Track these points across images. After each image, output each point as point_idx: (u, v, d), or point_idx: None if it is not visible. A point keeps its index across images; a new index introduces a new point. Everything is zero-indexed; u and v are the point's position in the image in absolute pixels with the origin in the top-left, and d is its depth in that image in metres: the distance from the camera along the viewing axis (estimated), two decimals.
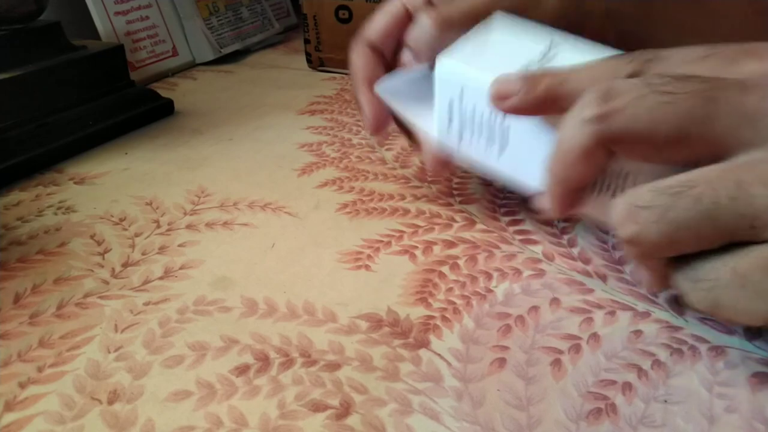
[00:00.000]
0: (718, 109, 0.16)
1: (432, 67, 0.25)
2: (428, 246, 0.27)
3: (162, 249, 0.27)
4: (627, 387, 0.19)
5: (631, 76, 0.18)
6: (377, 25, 0.30)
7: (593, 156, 0.18)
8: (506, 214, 0.30)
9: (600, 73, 0.19)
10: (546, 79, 0.20)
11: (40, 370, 0.21)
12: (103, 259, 0.27)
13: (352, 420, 0.18)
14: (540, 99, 0.20)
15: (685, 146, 0.17)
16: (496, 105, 0.21)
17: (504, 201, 0.31)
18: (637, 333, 0.22)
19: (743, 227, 0.15)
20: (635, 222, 0.17)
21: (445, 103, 0.25)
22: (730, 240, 0.16)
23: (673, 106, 0.16)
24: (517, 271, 0.25)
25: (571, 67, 0.20)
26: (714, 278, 0.16)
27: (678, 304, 0.23)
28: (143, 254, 0.27)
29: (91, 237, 0.28)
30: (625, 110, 0.17)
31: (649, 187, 0.17)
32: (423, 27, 0.27)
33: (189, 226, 0.29)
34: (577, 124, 0.18)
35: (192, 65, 0.58)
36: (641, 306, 0.23)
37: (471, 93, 0.23)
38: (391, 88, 0.28)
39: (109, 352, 0.21)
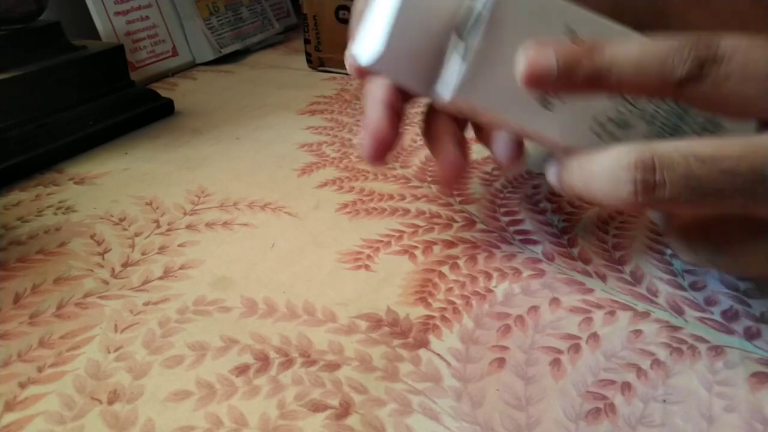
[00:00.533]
0: (758, 195, 0.16)
1: None
2: (428, 246, 0.27)
3: (162, 249, 0.27)
4: (626, 387, 0.19)
5: (687, 78, 0.17)
6: None
7: (642, 209, 0.18)
8: (506, 214, 0.30)
9: (650, 63, 0.17)
10: (587, 60, 0.17)
11: (40, 370, 0.21)
12: (103, 259, 0.27)
13: (352, 420, 0.18)
14: (581, 85, 0.18)
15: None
16: (527, 85, 0.18)
17: (504, 201, 0.31)
18: (637, 333, 0.22)
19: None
20: (655, 173, 0.17)
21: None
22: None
23: (718, 201, 0.17)
24: (517, 271, 0.25)
25: (616, 45, 0.18)
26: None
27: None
28: (143, 254, 0.27)
29: (91, 237, 0.28)
30: (671, 202, 0.17)
31: (684, 152, 0.17)
32: None
33: (189, 226, 0.29)
34: (617, 200, 0.17)
35: (192, 65, 0.58)
36: (641, 306, 0.23)
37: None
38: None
39: (109, 352, 0.21)
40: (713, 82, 0.17)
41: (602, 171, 0.18)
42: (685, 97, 0.18)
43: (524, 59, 0.18)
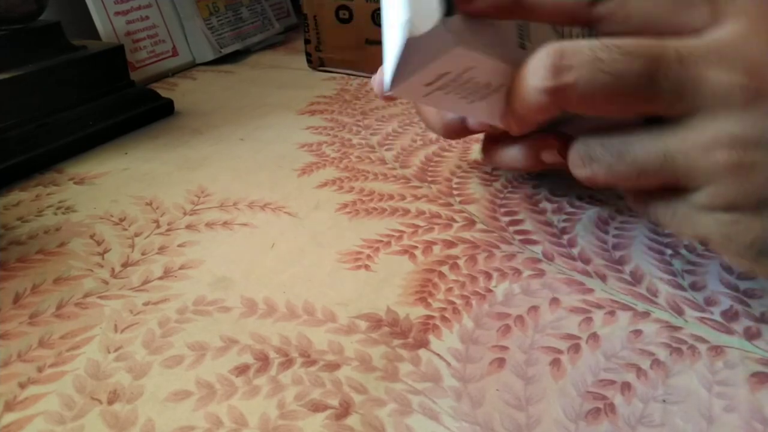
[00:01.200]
0: (659, 88, 0.18)
1: None
2: (428, 246, 0.27)
3: (162, 249, 0.27)
4: (626, 387, 0.19)
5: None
6: None
7: (545, 112, 0.20)
8: (506, 214, 0.30)
9: None
10: None
11: (40, 370, 0.21)
12: (103, 259, 0.27)
13: (352, 420, 0.18)
14: (504, 12, 0.20)
15: (630, 112, 0.19)
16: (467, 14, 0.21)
17: (504, 201, 0.31)
18: (637, 333, 0.22)
19: (672, 182, 0.19)
20: (589, 168, 0.21)
21: None
22: (666, 187, 0.20)
23: (619, 83, 0.18)
24: (517, 271, 0.25)
25: None
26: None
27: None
28: (143, 254, 0.27)
29: (91, 237, 0.28)
30: (576, 86, 0.18)
31: (600, 142, 0.20)
32: None
33: (189, 226, 0.29)
34: (530, 91, 0.19)
35: (192, 65, 0.58)
36: (641, 306, 0.23)
37: None
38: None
39: (109, 352, 0.21)
40: (570, 89, 0.18)
41: (526, 71, 0.19)
42: (598, 21, 0.20)
43: None
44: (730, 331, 0.22)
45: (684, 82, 0.18)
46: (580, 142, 0.21)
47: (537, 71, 0.19)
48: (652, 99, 0.18)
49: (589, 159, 0.20)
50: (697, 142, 0.18)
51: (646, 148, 0.19)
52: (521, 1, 0.20)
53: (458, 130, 0.28)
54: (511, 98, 0.21)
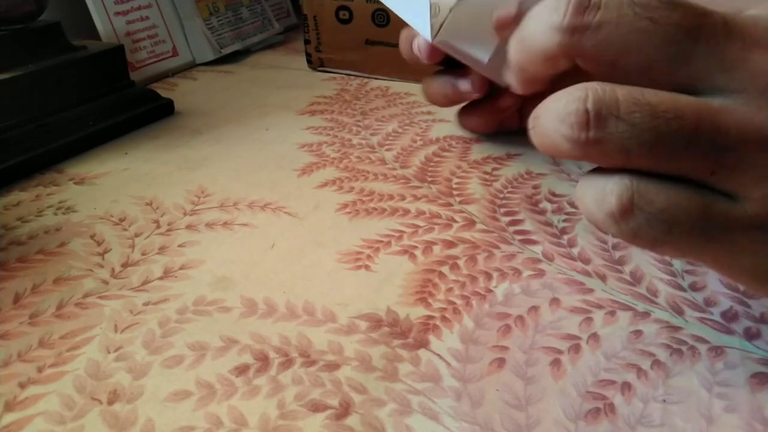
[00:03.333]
0: (696, 50, 0.15)
1: None
2: (428, 246, 0.27)
3: (162, 249, 0.27)
4: (626, 387, 0.19)
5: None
6: None
7: (555, 62, 0.17)
8: (506, 214, 0.30)
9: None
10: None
11: (40, 370, 0.21)
12: (103, 259, 0.27)
13: (352, 420, 0.18)
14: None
15: (653, 77, 0.16)
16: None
17: (504, 201, 0.31)
18: (637, 333, 0.22)
19: (706, 170, 0.16)
20: (602, 129, 0.16)
21: None
22: (693, 176, 0.16)
23: (652, 37, 0.15)
24: (517, 271, 0.25)
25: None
26: (661, 209, 0.16)
27: None
28: (143, 254, 0.27)
29: (91, 237, 0.28)
30: (600, 29, 0.16)
31: (633, 98, 0.15)
32: None
33: (189, 227, 0.29)
34: (546, 28, 0.16)
35: (192, 65, 0.58)
36: (641, 306, 0.23)
37: None
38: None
39: (109, 353, 0.21)
40: (592, 31, 0.16)
41: (542, 5, 0.17)
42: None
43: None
44: (730, 332, 0.22)
45: (727, 55, 0.15)
46: (598, 89, 0.16)
47: (557, 4, 0.16)
48: (683, 63, 0.16)
49: (608, 119, 0.16)
50: (754, 122, 0.15)
51: (699, 114, 0.15)
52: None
53: (452, 97, 0.33)
54: (518, 41, 0.18)
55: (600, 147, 0.16)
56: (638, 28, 0.15)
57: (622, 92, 0.15)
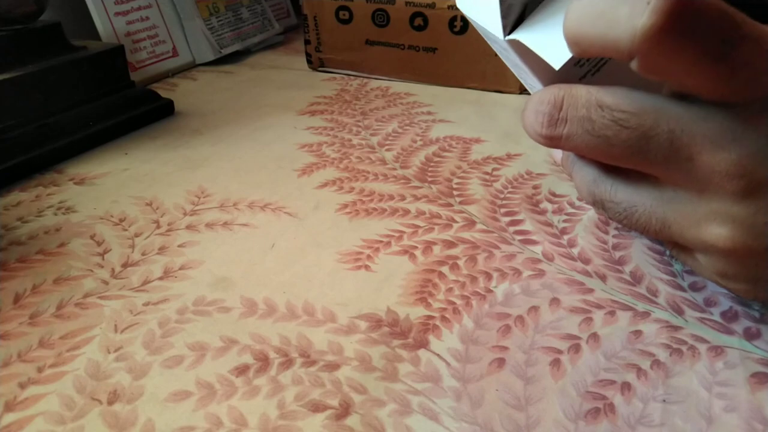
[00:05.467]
0: (647, 158, 0.18)
1: None
2: (428, 246, 0.27)
3: (162, 249, 0.27)
4: (626, 387, 0.19)
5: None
6: None
7: (548, 143, 0.21)
8: (506, 214, 0.30)
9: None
10: None
11: (40, 370, 0.21)
12: (103, 259, 0.27)
13: (352, 420, 0.18)
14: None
15: (627, 166, 0.20)
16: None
17: (504, 201, 0.31)
18: (637, 333, 0.22)
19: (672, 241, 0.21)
20: (599, 210, 0.22)
21: None
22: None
23: (607, 146, 0.19)
24: (517, 272, 0.25)
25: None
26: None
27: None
28: (143, 255, 0.27)
29: (91, 237, 0.28)
30: (569, 139, 0.20)
31: (609, 198, 0.21)
32: None
33: (189, 227, 0.29)
34: (532, 132, 0.21)
35: (192, 66, 0.58)
36: (641, 306, 0.23)
37: None
38: None
39: (109, 353, 0.21)
40: (563, 140, 0.20)
41: (531, 104, 0.21)
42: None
43: None
44: (730, 332, 0.22)
45: (673, 162, 0.18)
46: (591, 183, 0.22)
47: (536, 116, 0.20)
48: (643, 165, 0.19)
49: (602, 206, 0.22)
50: (692, 218, 0.19)
51: (648, 213, 0.20)
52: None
53: None
54: (522, 116, 0.22)
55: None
56: (593, 144, 0.19)
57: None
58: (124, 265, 0.26)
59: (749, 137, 0.17)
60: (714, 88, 0.17)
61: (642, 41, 0.16)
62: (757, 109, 0.17)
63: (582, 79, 0.22)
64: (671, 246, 0.22)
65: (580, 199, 0.30)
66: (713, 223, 0.18)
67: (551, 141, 0.20)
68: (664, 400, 0.19)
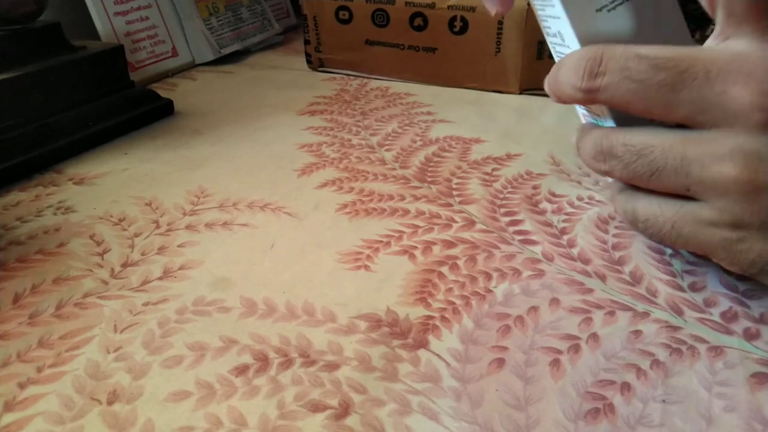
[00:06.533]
0: (679, 98, 0.20)
1: None
2: (428, 246, 0.27)
3: (161, 249, 0.27)
4: (626, 387, 0.19)
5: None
6: None
7: (578, 102, 0.23)
8: (506, 214, 0.30)
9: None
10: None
11: (39, 370, 0.21)
12: (103, 259, 0.27)
13: (351, 420, 0.18)
14: None
15: (654, 118, 0.21)
16: None
17: (504, 201, 0.31)
18: (637, 333, 0.22)
19: (681, 189, 0.21)
20: (606, 163, 0.23)
21: None
22: (674, 192, 0.21)
23: (643, 94, 0.20)
24: (517, 272, 0.25)
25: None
26: (654, 216, 0.22)
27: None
28: (142, 254, 0.27)
29: (91, 237, 0.28)
30: (606, 89, 0.21)
31: (622, 141, 0.22)
32: None
33: (188, 227, 0.29)
34: (569, 86, 0.22)
35: (192, 66, 0.58)
36: (641, 306, 0.23)
37: None
38: None
39: (109, 353, 0.21)
40: (600, 91, 0.21)
41: (569, 61, 0.22)
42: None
43: None
44: (729, 332, 0.22)
45: (707, 97, 0.19)
46: (601, 136, 0.23)
47: (576, 71, 0.21)
48: (673, 109, 0.20)
49: (610, 155, 0.22)
50: (713, 153, 0.19)
51: (666, 152, 0.20)
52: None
53: None
54: (551, 82, 0.23)
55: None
56: (631, 89, 0.20)
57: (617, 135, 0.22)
58: (124, 265, 0.26)
59: None
60: None
61: None
62: None
63: (599, 11, 0.23)
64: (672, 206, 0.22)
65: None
66: (737, 158, 0.19)
67: (588, 93, 0.21)
68: (663, 401, 0.19)
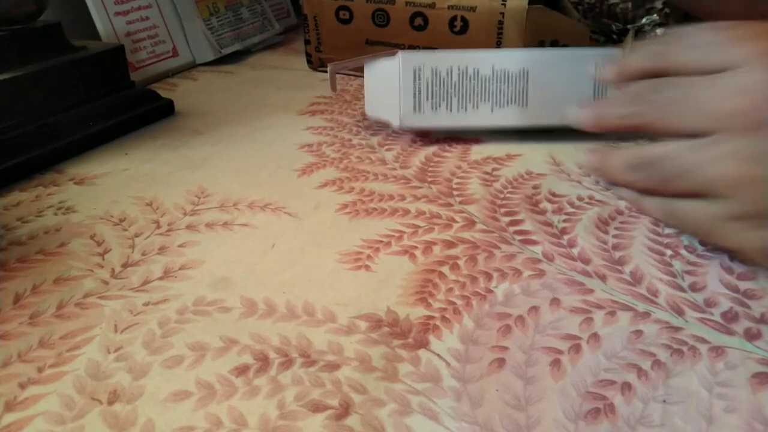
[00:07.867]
0: (685, 109, 0.24)
1: None
2: (428, 246, 0.27)
3: (162, 249, 0.27)
4: (626, 387, 0.19)
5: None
6: None
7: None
8: (506, 214, 0.30)
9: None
10: None
11: (40, 370, 0.21)
12: (103, 259, 0.27)
13: (352, 420, 0.18)
14: None
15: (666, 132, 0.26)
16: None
17: (504, 201, 0.31)
18: (637, 333, 0.22)
19: (691, 190, 0.25)
20: (632, 176, 0.28)
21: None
22: (693, 193, 0.25)
23: (649, 116, 0.26)
24: (517, 272, 0.25)
25: None
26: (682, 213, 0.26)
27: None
28: (143, 255, 0.27)
29: (91, 237, 0.28)
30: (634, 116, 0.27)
31: (644, 153, 0.27)
32: None
33: (189, 227, 0.29)
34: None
35: (192, 66, 0.58)
36: (641, 306, 0.23)
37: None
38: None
39: (109, 353, 0.21)
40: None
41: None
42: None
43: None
44: (730, 332, 0.21)
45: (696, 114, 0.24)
46: (629, 152, 0.27)
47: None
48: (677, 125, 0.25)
49: (636, 167, 0.27)
50: (714, 156, 0.23)
51: (680, 160, 0.24)
52: None
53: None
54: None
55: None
56: (636, 111, 0.28)
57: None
58: (124, 265, 0.26)
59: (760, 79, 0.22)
60: None
61: None
62: None
63: None
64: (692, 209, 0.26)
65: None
66: (731, 156, 0.23)
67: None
68: (664, 401, 0.19)
